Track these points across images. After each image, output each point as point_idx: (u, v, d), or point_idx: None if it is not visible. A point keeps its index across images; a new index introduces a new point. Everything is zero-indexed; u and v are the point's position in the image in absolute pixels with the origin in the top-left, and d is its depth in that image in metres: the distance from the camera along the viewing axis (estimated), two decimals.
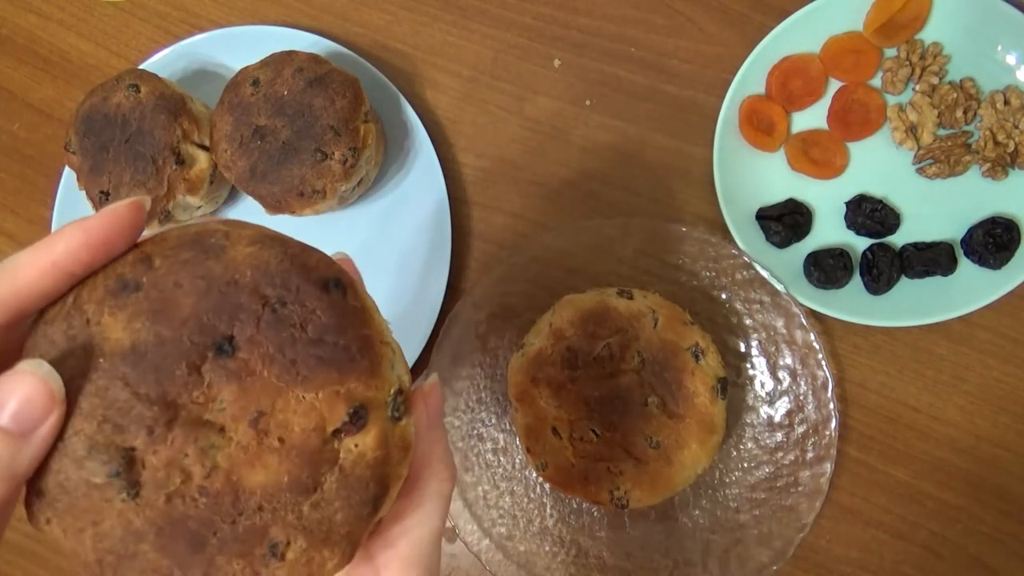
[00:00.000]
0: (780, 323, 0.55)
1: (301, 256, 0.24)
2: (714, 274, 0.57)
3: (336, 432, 0.23)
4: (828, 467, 0.54)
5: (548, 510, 0.57)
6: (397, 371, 0.26)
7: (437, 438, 0.28)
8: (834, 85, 0.57)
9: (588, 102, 0.61)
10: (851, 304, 0.55)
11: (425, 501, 0.27)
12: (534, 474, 0.57)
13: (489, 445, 0.58)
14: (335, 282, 0.24)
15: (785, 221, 0.56)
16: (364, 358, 0.24)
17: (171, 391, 0.23)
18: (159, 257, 0.24)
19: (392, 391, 0.25)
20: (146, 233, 0.25)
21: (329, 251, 0.26)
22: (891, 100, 0.57)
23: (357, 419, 0.23)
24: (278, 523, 0.23)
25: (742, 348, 0.57)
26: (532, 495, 0.58)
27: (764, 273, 0.55)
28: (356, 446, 0.23)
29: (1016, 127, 0.55)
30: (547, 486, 0.57)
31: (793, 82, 0.57)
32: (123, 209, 0.24)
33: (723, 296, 0.57)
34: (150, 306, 0.23)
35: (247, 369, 0.23)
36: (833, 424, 0.54)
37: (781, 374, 0.56)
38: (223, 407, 0.23)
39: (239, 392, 0.23)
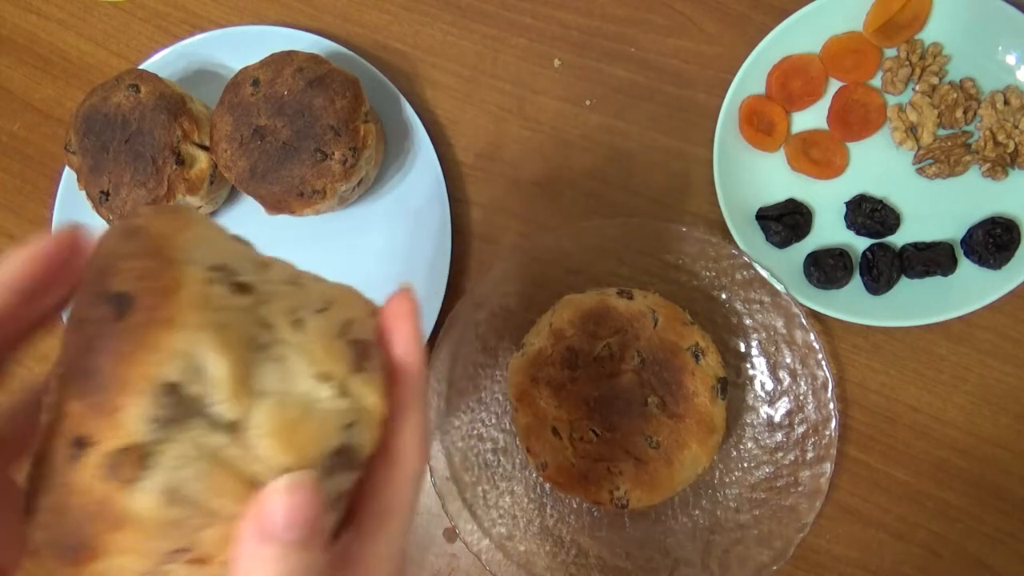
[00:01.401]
0: (780, 323, 0.55)
1: (108, 259, 0.22)
2: (714, 274, 0.57)
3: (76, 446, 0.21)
4: (828, 467, 0.54)
5: (548, 510, 0.57)
6: (172, 432, 0.21)
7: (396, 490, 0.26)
8: (834, 85, 0.57)
9: (588, 102, 0.61)
10: (851, 304, 0.55)
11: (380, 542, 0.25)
12: (534, 474, 0.57)
13: (489, 445, 0.58)
14: (117, 297, 0.21)
15: (785, 221, 0.56)
16: (100, 392, 0.20)
17: None
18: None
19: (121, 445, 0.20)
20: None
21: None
22: (891, 100, 0.57)
23: (79, 447, 0.20)
24: None
25: (742, 348, 0.57)
26: (532, 495, 0.57)
27: (764, 273, 0.55)
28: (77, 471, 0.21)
29: (1016, 127, 0.55)
30: (547, 486, 0.57)
31: (793, 82, 0.57)
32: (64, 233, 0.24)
33: (723, 296, 0.57)
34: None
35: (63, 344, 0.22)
36: (833, 424, 0.54)
37: (781, 374, 0.56)
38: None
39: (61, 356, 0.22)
